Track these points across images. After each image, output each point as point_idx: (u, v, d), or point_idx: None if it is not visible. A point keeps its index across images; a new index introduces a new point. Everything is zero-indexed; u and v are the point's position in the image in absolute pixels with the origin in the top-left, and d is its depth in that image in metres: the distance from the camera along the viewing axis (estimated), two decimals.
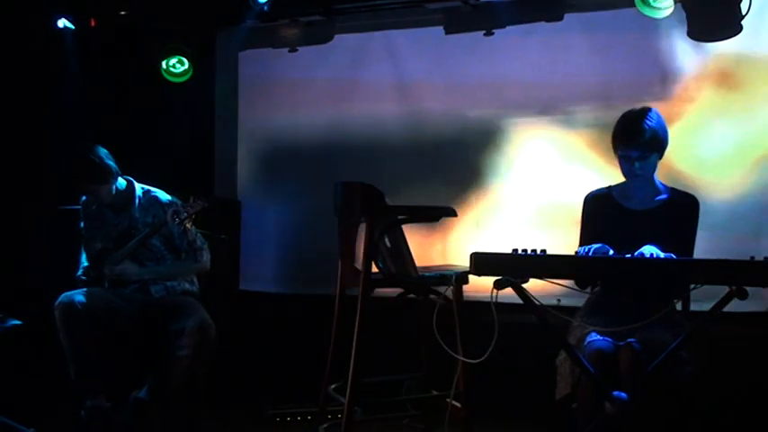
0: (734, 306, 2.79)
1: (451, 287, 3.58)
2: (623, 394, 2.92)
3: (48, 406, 4.34)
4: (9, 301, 4.47)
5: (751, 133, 4.38)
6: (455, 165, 5.04)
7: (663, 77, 4.57)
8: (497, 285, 2.78)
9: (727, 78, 4.45)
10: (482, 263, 2.78)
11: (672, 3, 4.18)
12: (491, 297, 2.78)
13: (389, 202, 3.61)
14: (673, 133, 3.43)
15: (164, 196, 4.30)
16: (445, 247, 5.01)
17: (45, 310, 4.04)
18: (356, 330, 3.52)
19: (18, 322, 4.31)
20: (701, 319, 2.96)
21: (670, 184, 3.49)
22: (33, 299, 4.71)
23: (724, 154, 4.43)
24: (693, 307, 3.35)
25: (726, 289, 2.78)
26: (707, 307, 2.90)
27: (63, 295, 4.00)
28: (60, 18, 5.30)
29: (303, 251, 5.35)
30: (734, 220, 4.34)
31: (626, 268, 2.88)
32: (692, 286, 2.90)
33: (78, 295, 3.99)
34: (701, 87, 4.50)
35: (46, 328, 4.02)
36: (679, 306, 3.38)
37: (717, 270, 2.72)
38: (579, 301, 3.53)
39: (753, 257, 2.71)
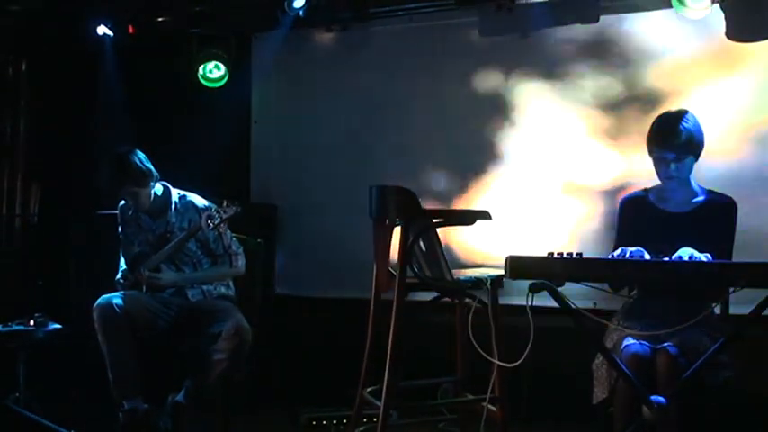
0: None
1: (487, 290, 3.57)
2: (661, 398, 2.89)
3: (87, 408, 4.39)
4: (50, 305, 4.54)
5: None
6: (491, 168, 5.04)
7: None
8: (533, 288, 2.76)
9: None
10: (518, 266, 2.76)
11: (709, 3, 4.13)
12: (526, 300, 2.77)
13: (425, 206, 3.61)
14: None
15: (199, 201, 4.32)
16: None
17: (84, 313, 4.09)
18: (391, 334, 3.51)
19: (58, 326, 4.38)
20: (740, 322, 2.92)
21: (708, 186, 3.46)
22: (73, 302, 4.78)
23: None
24: (733, 310, 3.31)
25: (766, 292, 2.74)
26: (746, 310, 2.87)
27: (101, 298, 4.04)
28: (100, 25, 5.37)
29: (338, 255, 5.34)
30: None
31: (664, 271, 2.85)
32: (731, 289, 2.86)
33: (116, 298, 4.03)
34: None
35: (86, 331, 4.07)
36: (718, 309, 3.33)
37: (756, 272, 2.68)
38: (615, 304, 3.50)
39: None
